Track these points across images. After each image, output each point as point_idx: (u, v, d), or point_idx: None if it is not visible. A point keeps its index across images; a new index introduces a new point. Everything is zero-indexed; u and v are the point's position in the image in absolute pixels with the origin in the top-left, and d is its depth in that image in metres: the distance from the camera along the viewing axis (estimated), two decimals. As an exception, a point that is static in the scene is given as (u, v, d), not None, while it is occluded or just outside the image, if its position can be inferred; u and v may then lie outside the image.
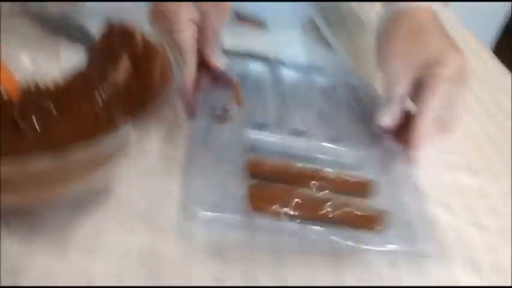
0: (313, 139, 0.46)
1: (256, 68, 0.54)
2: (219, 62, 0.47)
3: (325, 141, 0.46)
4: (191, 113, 0.45)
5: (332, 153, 0.45)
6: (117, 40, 0.44)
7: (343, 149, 0.46)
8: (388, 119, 0.45)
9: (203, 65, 0.46)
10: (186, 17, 0.43)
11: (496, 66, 0.63)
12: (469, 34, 0.69)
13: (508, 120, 0.53)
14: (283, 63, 0.55)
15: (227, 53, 0.50)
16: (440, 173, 0.46)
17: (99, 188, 0.40)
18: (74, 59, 0.44)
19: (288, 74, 0.54)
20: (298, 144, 0.45)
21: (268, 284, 0.35)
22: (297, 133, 0.47)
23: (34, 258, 0.35)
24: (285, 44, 0.58)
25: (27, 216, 0.36)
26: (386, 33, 0.47)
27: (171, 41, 0.42)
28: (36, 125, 0.40)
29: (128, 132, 0.35)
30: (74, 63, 0.44)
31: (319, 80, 0.55)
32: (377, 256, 0.38)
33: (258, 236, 0.38)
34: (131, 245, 0.36)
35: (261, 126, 0.46)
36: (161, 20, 0.44)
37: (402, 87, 0.44)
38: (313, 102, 0.51)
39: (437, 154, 0.48)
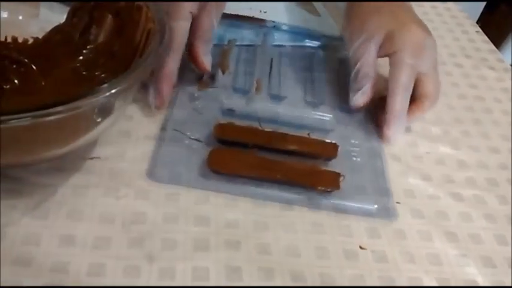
0: (291, 104, 0.46)
1: (248, 33, 0.54)
2: (206, 62, 0.44)
3: (303, 107, 0.46)
4: (161, 103, 0.43)
5: (307, 118, 0.46)
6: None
7: (319, 113, 0.46)
8: (361, 98, 0.45)
9: (189, 57, 0.45)
10: (187, 7, 0.41)
11: (482, 40, 0.63)
12: (455, 7, 0.69)
13: (489, 94, 0.54)
14: (275, 27, 0.55)
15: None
16: (420, 143, 0.47)
17: (83, 153, 0.39)
18: (52, 17, 0.43)
19: (279, 39, 0.54)
20: (274, 109, 0.45)
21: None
22: (277, 98, 0.47)
23: (17, 222, 0.34)
24: (271, 8, 0.57)
25: (10, 181, 0.36)
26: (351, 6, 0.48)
27: (166, 25, 0.39)
28: (15, 80, 0.38)
29: (111, 93, 0.34)
30: (53, 20, 0.42)
31: (309, 43, 0.55)
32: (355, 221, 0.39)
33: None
34: (115, 210, 0.36)
35: (241, 92, 0.46)
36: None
37: (369, 65, 0.44)
38: (299, 68, 0.51)
39: (417, 125, 0.48)
